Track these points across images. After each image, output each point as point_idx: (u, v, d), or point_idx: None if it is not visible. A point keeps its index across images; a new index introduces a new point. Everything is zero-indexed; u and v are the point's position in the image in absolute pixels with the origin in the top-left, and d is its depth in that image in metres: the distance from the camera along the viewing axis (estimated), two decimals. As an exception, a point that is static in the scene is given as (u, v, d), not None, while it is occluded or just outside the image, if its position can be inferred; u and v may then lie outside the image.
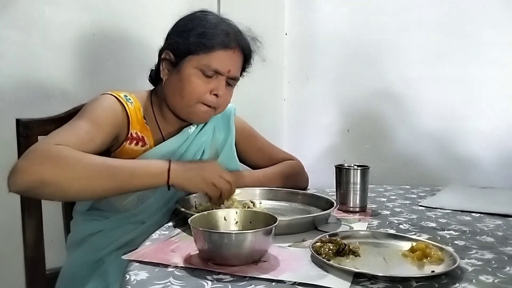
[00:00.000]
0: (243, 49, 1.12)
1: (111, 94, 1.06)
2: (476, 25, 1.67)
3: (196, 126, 1.17)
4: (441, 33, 1.74)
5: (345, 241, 0.74)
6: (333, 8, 2.00)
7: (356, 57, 1.94)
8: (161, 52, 1.13)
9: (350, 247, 0.72)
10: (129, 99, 1.09)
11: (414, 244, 0.74)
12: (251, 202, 1.05)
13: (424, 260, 0.70)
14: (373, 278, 0.62)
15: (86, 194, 0.90)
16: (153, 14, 1.55)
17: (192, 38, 1.05)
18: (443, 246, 0.73)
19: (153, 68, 1.18)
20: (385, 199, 1.22)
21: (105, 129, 1.00)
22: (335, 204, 0.97)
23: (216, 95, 1.07)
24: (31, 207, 1.08)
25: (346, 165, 1.09)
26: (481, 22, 1.66)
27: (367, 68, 1.91)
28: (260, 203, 1.09)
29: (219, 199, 0.98)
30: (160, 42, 1.15)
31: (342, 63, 1.98)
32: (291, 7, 2.11)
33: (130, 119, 1.06)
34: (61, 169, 0.84)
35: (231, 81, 1.11)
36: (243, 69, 1.17)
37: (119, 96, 1.07)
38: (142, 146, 1.08)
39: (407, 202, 1.19)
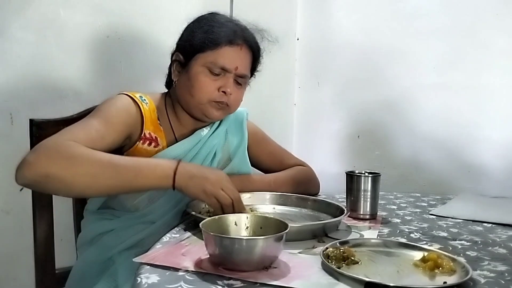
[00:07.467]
0: (251, 46, 1.11)
1: (127, 94, 1.07)
2: (489, 32, 1.67)
3: (209, 129, 1.17)
4: (454, 40, 1.73)
5: (356, 249, 0.74)
6: (345, 13, 2.00)
7: (367, 63, 1.93)
8: (172, 55, 1.14)
9: (353, 258, 0.71)
10: (144, 99, 1.09)
11: (426, 254, 0.73)
12: (250, 209, 1.03)
13: (436, 271, 0.69)
14: (384, 288, 0.62)
15: (91, 191, 0.90)
16: (166, 16, 1.56)
17: (199, 36, 1.07)
18: (455, 257, 0.72)
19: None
20: (395, 207, 1.21)
21: (117, 128, 1.00)
22: (345, 211, 0.97)
23: (224, 92, 1.07)
24: (42, 206, 1.09)
25: (357, 172, 1.08)
26: (495, 29, 1.66)
27: (378, 74, 1.91)
28: (274, 208, 1.09)
29: (222, 211, 0.89)
30: (172, 44, 1.16)
31: (353, 69, 1.98)
32: (304, 12, 2.11)
33: (144, 119, 1.06)
34: (67, 164, 0.84)
35: (240, 80, 1.11)
36: (253, 68, 1.16)
37: (135, 96, 1.08)
38: (155, 146, 1.09)
39: (418, 210, 1.18)
